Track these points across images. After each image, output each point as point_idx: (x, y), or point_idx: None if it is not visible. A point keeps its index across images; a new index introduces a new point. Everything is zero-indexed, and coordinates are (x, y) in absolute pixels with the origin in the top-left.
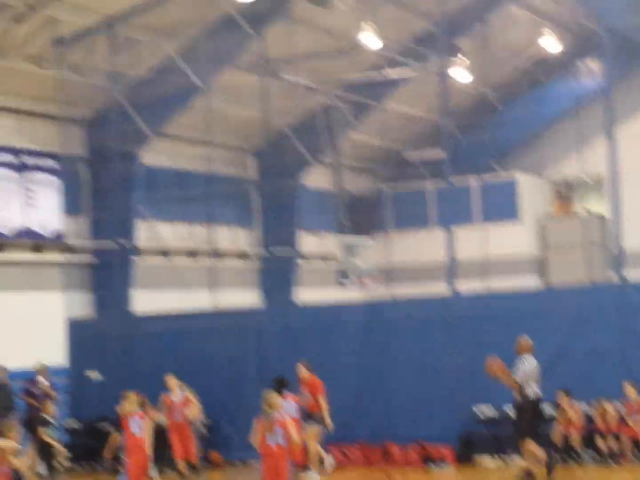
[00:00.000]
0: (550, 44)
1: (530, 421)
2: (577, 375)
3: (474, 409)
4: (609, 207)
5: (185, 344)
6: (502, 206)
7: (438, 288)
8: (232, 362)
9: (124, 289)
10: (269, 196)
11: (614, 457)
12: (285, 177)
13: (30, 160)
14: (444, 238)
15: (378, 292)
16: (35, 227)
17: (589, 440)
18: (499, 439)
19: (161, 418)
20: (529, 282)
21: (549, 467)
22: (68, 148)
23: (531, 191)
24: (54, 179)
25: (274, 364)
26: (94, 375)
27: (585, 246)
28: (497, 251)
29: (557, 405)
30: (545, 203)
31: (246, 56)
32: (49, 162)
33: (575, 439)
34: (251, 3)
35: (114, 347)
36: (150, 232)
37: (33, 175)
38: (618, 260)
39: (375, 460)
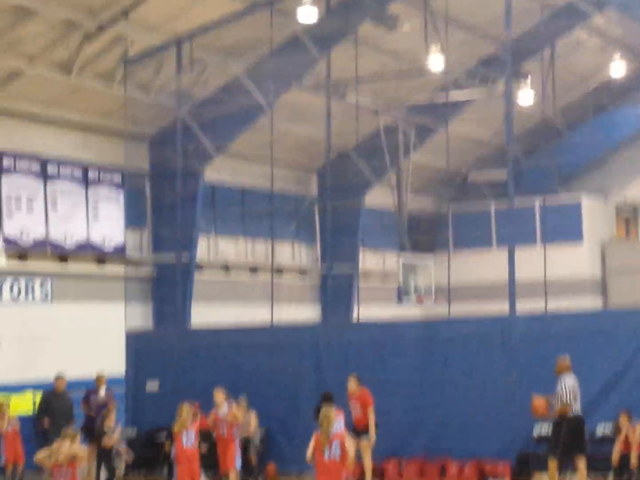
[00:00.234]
0: (617, 68)
1: (577, 438)
2: (637, 396)
3: (532, 426)
4: None
5: (242, 358)
6: (565, 228)
7: (497, 308)
8: (289, 377)
9: (183, 302)
10: (331, 214)
11: None
12: (347, 196)
13: (95, 175)
14: (505, 258)
15: (436, 310)
16: (98, 241)
17: None
18: None
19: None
20: (589, 304)
21: None
22: (132, 164)
23: (595, 214)
24: (117, 194)
25: (330, 380)
26: (152, 386)
27: None
28: (559, 272)
29: (615, 425)
30: (609, 226)
31: (311, 76)
32: (114, 177)
33: (634, 460)
34: (317, 24)
35: (171, 359)
36: (211, 247)
37: (98, 190)
38: None
39: (432, 476)
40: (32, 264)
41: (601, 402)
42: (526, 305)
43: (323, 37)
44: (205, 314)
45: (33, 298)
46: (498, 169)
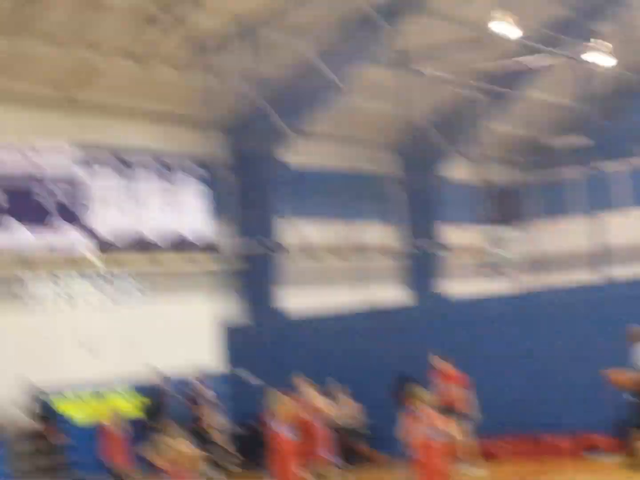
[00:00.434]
0: None
1: None
2: None
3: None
4: None
5: (336, 342)
6: None
7: (585, 276)
8: (383, 358)
9: (272, 289)
10: (412, 191)
11: None
12: (427, 171)
13: (176, 168)
14: (591, 225)
15: (524, 282)
16: (185, 234)
17: None
18: None
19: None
20: None
21: None
22: (213, 152)
23: None
24: (200, 185)
25: (423, 358)
26: (248, 376)
27: None
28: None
29: None
30: None
31: (383, 51)
32: (195, 168)
33: None
34: None
35: (267, 348)
36: (296, 231)
37: (180, 183)
38: None
39: (528, 451)
40: (125, 262)
41: None
42: (617, 271)
43: (392, 10)
44: (294, 299)
45: (128, 297)
46: (578, 134)
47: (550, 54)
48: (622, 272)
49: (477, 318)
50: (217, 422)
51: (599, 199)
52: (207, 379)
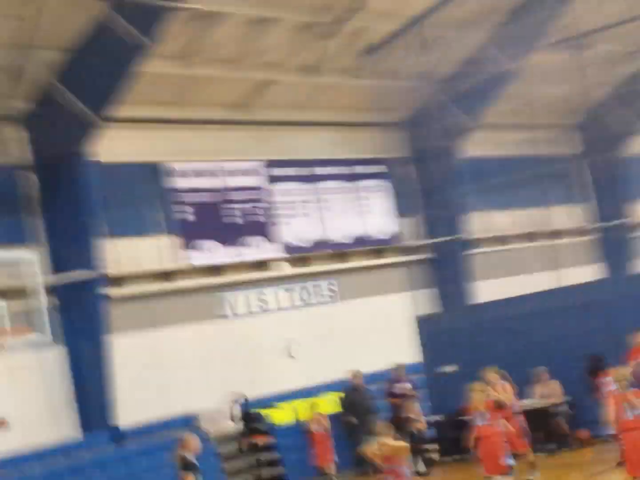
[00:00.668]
0: None
1: None
2: None
3: None
4: None
5: (531, 325)
6: None
7: None
8: (582, 338)
9: (463, 280)
10: (598, 169)
11: None
12: (612, 148)
13: (358, 169)
14: None
15: None
16: (372, 233)
17: None
18: None
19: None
20: None
21: None
22: (392, 152)
23: None
24: (383, 184)
25: (623, 336)
26: (445, 368)
27: None
28: None
29: None
30: None
31: (554, 32)
32: (377, 168)
33: None
34: None
35: (462, 338)
36: (482, 222)
37: (363, 183)
38: None
39: None
40: (315, 266)
41: None
42: None
43: None
44: (487, 290)
45: (321, 299)
46: None
47: None
48: None
49: None
50: (417, 413)
51: None
52: (405, 371)
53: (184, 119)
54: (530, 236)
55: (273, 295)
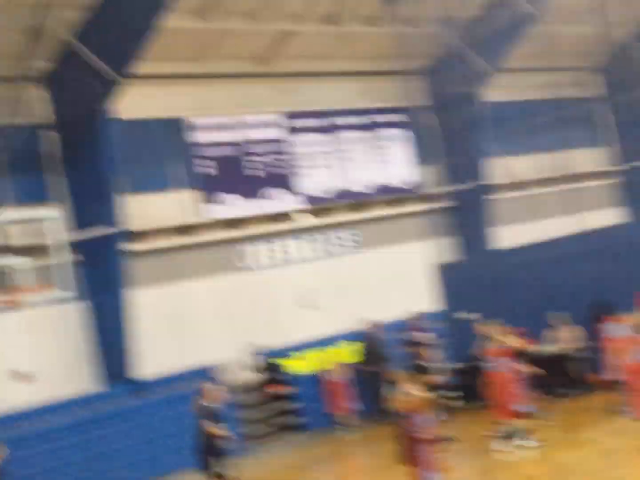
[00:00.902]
0: None
1: None
2: None
3: None
4: None
5: (553, 271)
6: None
7: None
8: (602, 282)
9: (484, 227)
10: (621, 111)
11: None
12: (635, 89)
13: (379, 118)
14: None
15: None
16: (393, 182)
17: None
18: None
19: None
20: None
21: None
22: (413, 100)
23: None
24: (403, 133)
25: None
26: (466, 314)
27: None
28: None
29: None
30: None
31: None
32: (397, 117)
33: None
34: None
35: (483, 284)
36: (503, 167)
37: (384, 132)
38: None
39: None
40: (336, 216)
41: None
42: None
43: None
44: (508, 236)
45: (342, 249)
46: None
47: None
48: None
49: None
50: (437, 361)
51: None
52: (425, 319)
53: (205, 73)
54: (552, 180)
55: (294, 247)
